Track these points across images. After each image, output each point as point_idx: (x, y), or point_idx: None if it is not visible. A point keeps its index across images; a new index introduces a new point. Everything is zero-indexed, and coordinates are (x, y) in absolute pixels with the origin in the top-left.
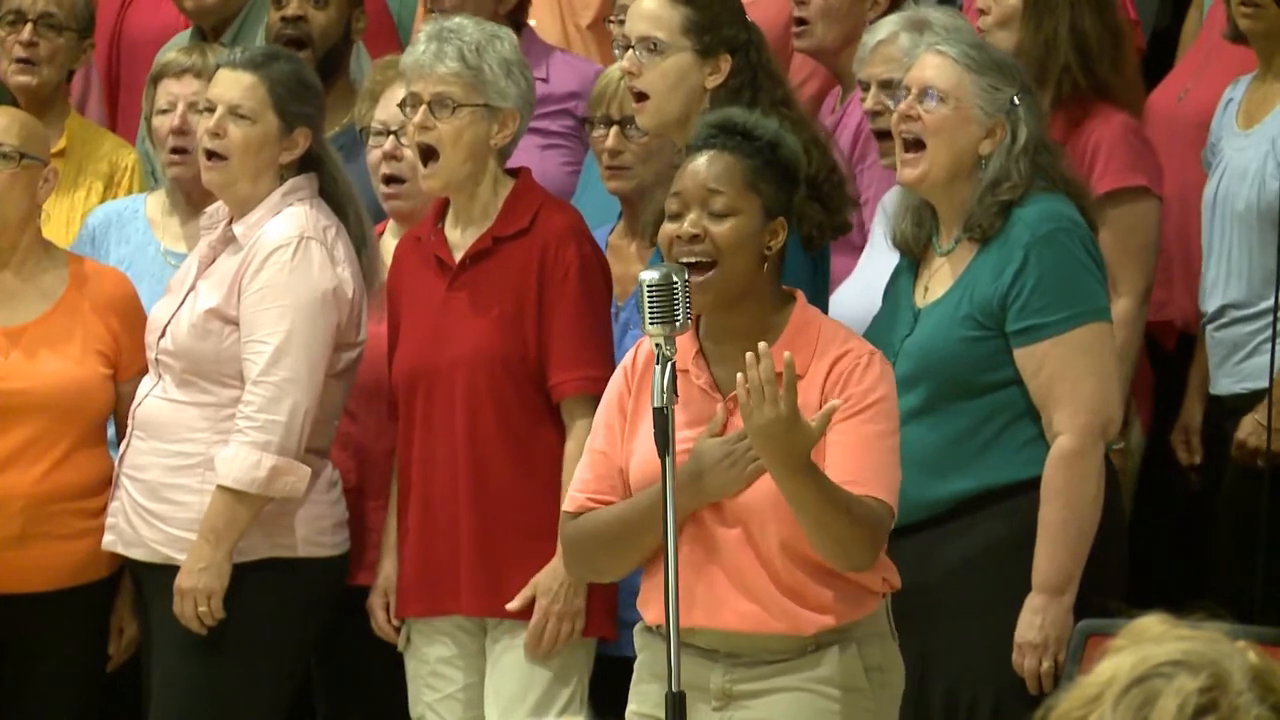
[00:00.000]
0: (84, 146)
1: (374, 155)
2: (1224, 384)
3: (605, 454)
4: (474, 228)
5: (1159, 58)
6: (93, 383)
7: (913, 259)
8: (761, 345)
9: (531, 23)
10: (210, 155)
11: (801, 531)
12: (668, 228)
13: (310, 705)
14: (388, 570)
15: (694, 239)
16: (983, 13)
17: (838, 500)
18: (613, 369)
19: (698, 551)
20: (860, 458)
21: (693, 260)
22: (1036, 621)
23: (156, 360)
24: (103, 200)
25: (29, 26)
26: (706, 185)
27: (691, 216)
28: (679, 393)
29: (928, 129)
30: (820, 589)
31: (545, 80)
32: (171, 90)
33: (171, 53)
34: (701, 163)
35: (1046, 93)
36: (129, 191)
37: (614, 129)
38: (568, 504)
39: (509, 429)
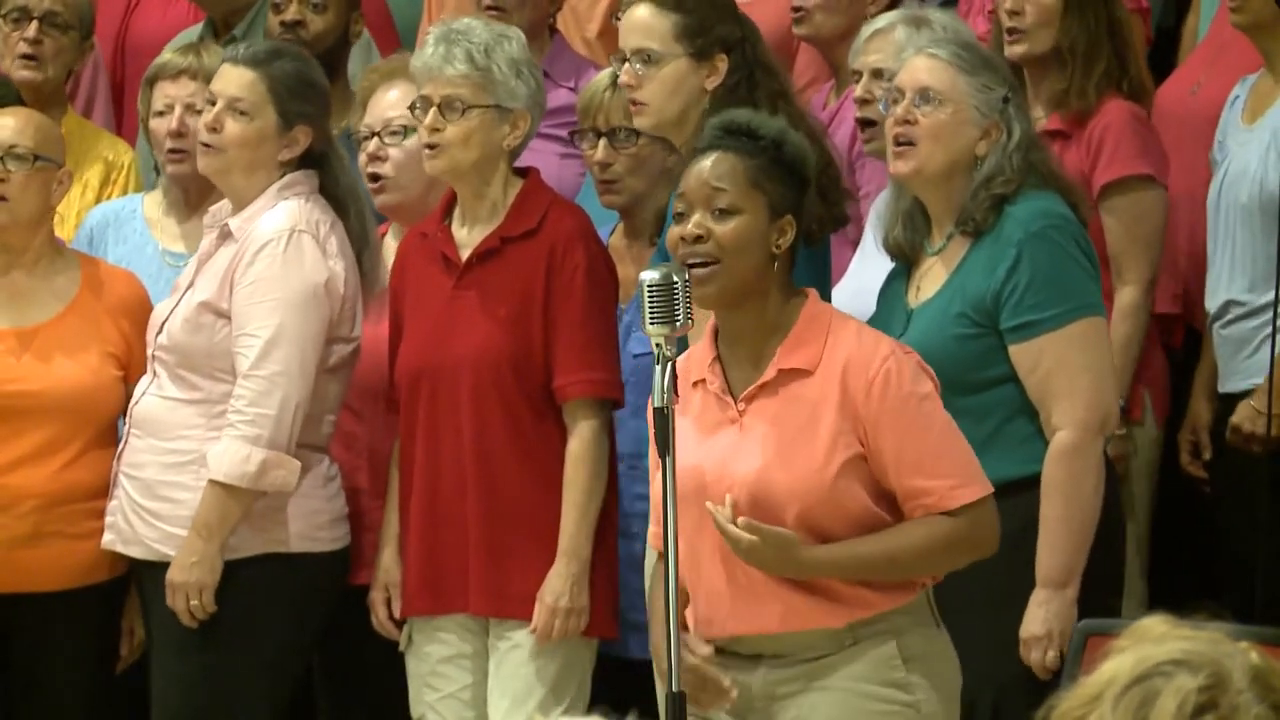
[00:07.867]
0: (80, 145)
1: (361, 158)
2: (1233, 381)
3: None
4: (481, 226)
5: (1163, 57)
6: (105, 385)
7: (906, 263)
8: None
9: None
10: (206, 145)
11: (823, 522)
12: (673, 230)
13: (312, 703)
14: (387, 564)
15: (697, 240)
16: (1015, 13)
17: (875, 557)
18: (618, 371)
19: (723, 558)
20: (937, 461)
21: (697, 261)
22: (1040, 615)
23: (153, 356)
24: (98, 198)
25: (34, 24)
26: (710, 184)
27: (695, 217)
28: (697, 402)
29: (924, 133)
30: (849, 580)
31: (574, 90)
32: (168, 92)
33: (167, 54)
34: (706, 164)
35: (1089, 85)
36: (124, 190)
37: (602, 141)
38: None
39: (516, 428)
